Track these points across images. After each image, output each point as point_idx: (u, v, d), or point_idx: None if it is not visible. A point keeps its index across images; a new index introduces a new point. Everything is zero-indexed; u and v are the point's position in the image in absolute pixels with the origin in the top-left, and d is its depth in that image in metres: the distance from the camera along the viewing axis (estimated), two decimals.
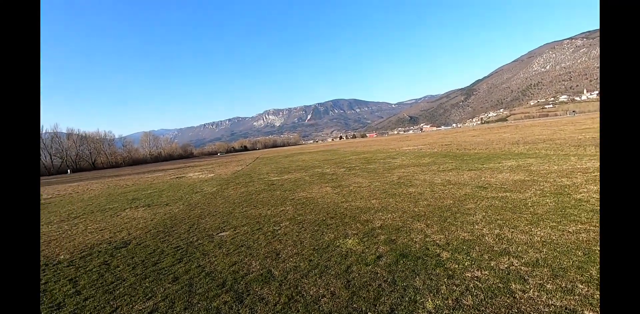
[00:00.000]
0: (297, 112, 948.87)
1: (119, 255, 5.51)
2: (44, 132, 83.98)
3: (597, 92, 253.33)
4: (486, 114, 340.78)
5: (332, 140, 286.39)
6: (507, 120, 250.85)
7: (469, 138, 35.47)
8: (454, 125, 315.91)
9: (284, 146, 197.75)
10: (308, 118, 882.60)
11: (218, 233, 6.26)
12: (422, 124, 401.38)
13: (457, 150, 20.29)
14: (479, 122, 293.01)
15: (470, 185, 8.28)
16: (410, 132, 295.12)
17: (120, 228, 7.63)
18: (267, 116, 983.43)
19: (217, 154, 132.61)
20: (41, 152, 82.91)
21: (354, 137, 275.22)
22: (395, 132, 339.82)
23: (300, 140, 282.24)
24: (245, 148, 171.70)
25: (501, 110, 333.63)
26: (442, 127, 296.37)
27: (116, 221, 8.63)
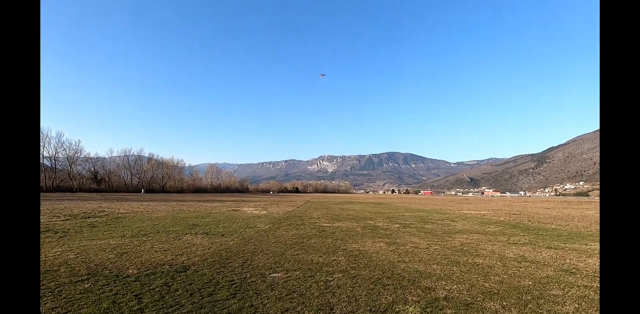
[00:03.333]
0: (351, 161, 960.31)
1: (179, 278, 5.76)
2: (130, 154, 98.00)
3: None
4: (562, 185, 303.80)
5: (384, 192, 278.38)
6: (588, 195, 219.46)
7: (542, 210, 31.64)
8: (522, 193, 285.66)
9: (334, 192, 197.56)
10: (361, 167, 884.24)
11: (270, 274, 6.24)
12: (483, 187, 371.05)
13: (529, 222, 18.10)
14: (552, 194, 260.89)
15: (553, 267, 7.15)
16: (470, 194, 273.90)
17: (181, 252, 8.08)
18: (321, 161, 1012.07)
19: (270, 192, 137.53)
20: (124, 171, 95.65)
21: (407, 192, 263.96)
22: (453, 193, 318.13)
23: (351, 189, 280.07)
24: (296, 190, 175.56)
25: (581, 183, 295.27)
26: (508, 193, 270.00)
27: (178, 244, 9.20)
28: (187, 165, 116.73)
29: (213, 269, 6.42)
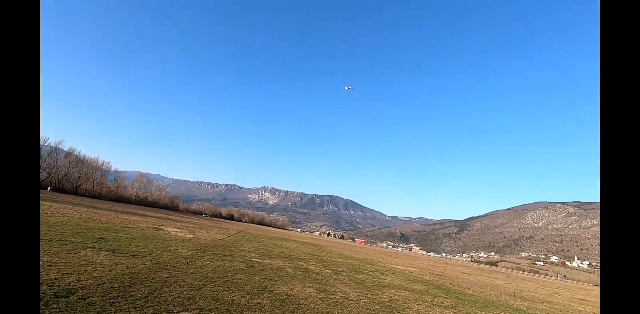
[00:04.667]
0: (294, 197, 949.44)
1: (54, 306, 4.49)
2: (45, 143, 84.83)
3: (587, 262, 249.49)
4: (477, 253, 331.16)
5: (320, 234, 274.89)
6: (497, 265, 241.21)
7: (461, 274, 33.51)
8: (444, 254, 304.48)
9: (271, 226, 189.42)
10: (302, 205, 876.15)
11: (179, 312, 5.22)
12: (412, 244, 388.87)
13: (450, 284, 18.79)
14: (469, 259, 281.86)
15: None
16: (400, 249, 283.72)
17: (72, 270, 6.54)
18: (263, 192, 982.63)
19: (202, 215, 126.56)
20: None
21: (342, 237, 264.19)
22: (384, 245, 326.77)
23: (289, 225, 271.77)
24: (231, 217, 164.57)
25: (492, 253, 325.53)
26: (432, 253, 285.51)
27: (71, 259, 7.50)
28: (113, 168, 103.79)
29: (106, 299, 5.19)
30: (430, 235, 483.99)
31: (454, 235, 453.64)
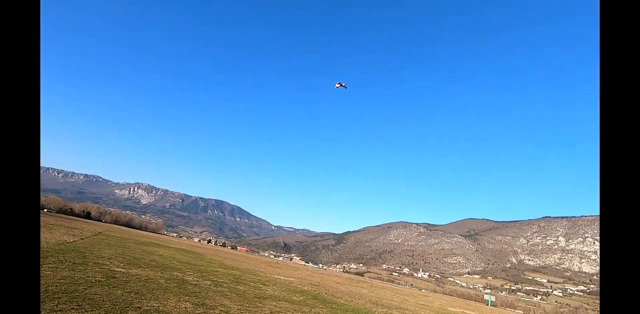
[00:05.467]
0: (174, 198, 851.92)
1: None
2: None
3: (428, 273, 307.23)
4: (349, 264, 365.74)
5: (200, 241, 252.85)
6: (363, 275, 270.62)
7: (334, 284, 36.07)
8: (320, 265, 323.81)
9: (140, 229, 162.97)
10: (183, 208, 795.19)
11: None
12: (293, 255, 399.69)
13: (326, 294, 19.97)
14: (341, 270, 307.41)
15: None
16: (281, 258, 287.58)
17: None
18: (136, 188, 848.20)
19: (44, 209, 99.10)
20: None
21: (224, 245, 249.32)
22: (266, 254, 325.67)
23: (163, 229, 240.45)
24: (88, 215, 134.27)
25: (361, 264, 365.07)
26: (310, 263, 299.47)
27: None
28: None
29: None
30: (311, 246, 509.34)
31: (331, 246, 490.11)
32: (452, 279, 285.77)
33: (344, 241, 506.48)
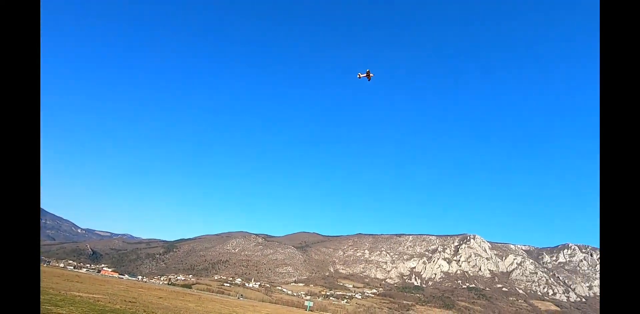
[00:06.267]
0: None
1: None
2: None
3: (259, 283, 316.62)
4: (176, 276, 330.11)
5: None
6: (191, 287, 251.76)
7: (156, 299, 33.91)
8: (140, 277, 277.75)
9: None
10: None
11: None
12: (103, 265, 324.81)
13: (145, 312, 18.14)
14: (166, 282, 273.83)
15: None
16: (84, 270, 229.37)
17: None
18: None
19: None
20: None
21: None
22: (62, 265, 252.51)
23: None
24: None
25: (190, 276, 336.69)
26: (126, 275, 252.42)
27: None
28: None
29: None
30: (131, 255, 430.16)
31: (158, 255, 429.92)
32: (280, 288, 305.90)
33: (174, 250, 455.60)
